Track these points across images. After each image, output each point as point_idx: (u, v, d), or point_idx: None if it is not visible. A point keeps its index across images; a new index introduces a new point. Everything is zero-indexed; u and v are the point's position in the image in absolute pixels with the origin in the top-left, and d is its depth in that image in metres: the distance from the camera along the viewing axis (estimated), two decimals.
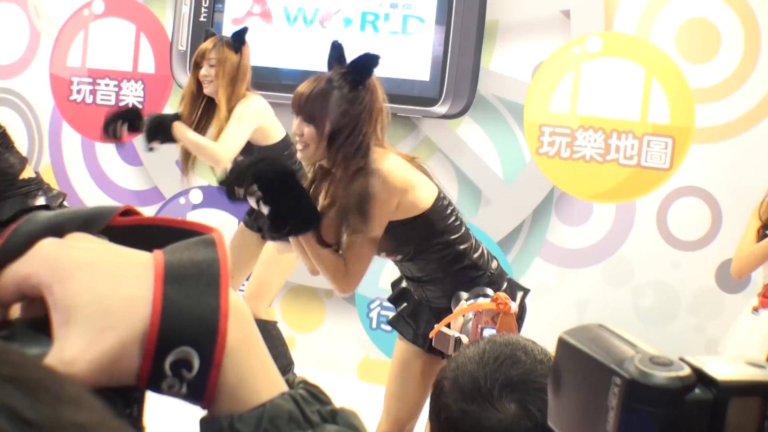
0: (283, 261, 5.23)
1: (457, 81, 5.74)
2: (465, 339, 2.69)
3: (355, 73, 3.47)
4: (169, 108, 6.62)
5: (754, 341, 4.57)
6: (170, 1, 6.56)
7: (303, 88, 3.46)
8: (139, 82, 6.68)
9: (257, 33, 6.11)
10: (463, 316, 2.76)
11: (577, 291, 5.75)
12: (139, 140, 6.61)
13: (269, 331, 5.30)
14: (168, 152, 6.50)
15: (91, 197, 6.92)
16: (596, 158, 5.65)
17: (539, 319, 5.46)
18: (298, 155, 3.52)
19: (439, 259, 3.55)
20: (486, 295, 2.91)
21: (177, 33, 6.38)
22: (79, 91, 6.85)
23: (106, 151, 6.87)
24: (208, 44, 5.24)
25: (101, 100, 6.77)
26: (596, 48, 5.62)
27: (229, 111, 5.11)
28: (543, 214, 5.86)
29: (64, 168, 6.99)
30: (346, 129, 3.42)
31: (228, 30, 6.24)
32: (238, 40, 5.29)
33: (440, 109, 5.74)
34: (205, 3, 6.28)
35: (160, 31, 6.61)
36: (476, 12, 5.69)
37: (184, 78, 6.32)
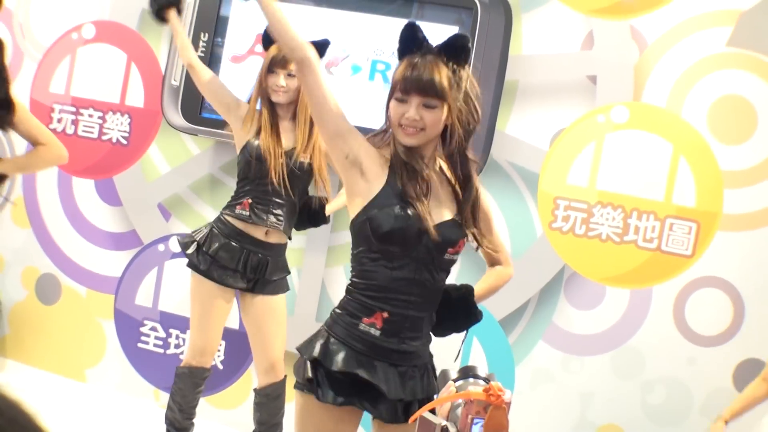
0: (284, 317, 5.33)
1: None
2: (452, 429, 2.51)
3: (456, 55, 3.46)
4: (155, 146, 6.51)
5: None
6: (167, 32, 6.46)
7: (421, 71, 3.40)
8: (126, 116, 6.57)
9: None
10: (452, 402, 2.59)
11: (582, 381, 5.65)
12: (119, 178, 6.50)
13: (285, 387, 5.38)
14: (151, 193, 6.38)
15: (63, 236, 6.82)
16: (613, 238, 5.55)
17: (539, 409, 5.34)
18: (407, 140, 3.45)
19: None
20: (477, 376, 2.73)
21: (171, 66, 6.29)
22: (60, 120, 6.75)
23: (84, 187, 6.76)
24: None
25: (83, 131, 6.66)
26: (622, 119, 5.54)
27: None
28: (551, 293, 5.78)
29: (37, 202, 6.89)
30: (463, 114, 3.48)
31: (227, 69, 6.13)
32: (319, 53, 5.14)
33: None
34: (204, 36, 6.18)
35: (153, 63, 6.52)
36: (496, 69, 5.61)
37: (175, 115, 6.23)
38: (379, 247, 3.46)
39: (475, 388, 2.55)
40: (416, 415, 2.75)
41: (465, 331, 3.71)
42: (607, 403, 5.63)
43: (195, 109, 6.22)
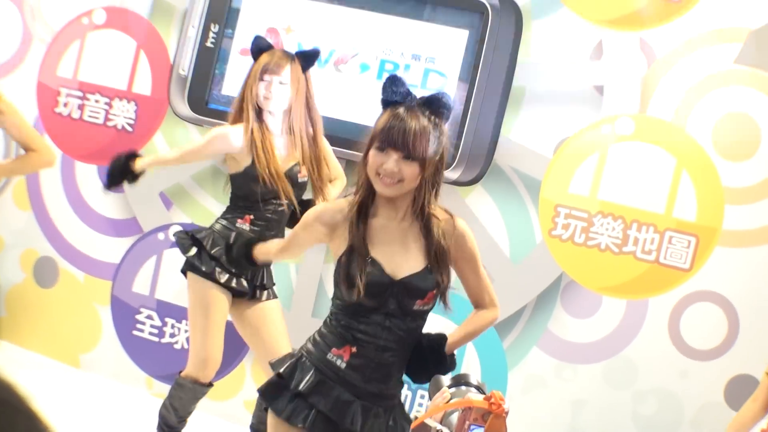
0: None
1: (473, 146, 5.67)
2: None
3: (438, 111, 3.53)
4: (160, 135, 6.52)
5: None
6: (177, 20, 6.49)
7: (403, 127, 3.46)
8: (132, 103, 6.59)
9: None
10: (444, 405, 2.62)
11: (574, 389, 5.67)
12: None
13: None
14: (153, 181, 6.40)
15: (64, 220, 6.82)
16: (612, 248, 5.58)
17: (531, 414, 5.37)
18: (384, 191, 3.51)
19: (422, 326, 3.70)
20: (469, 384, 2.77)
21: (180, 56, 6.32)
22: (66, 104, 6.76)
23: (87, 172, 6.77)
24: (280, 60, 5.09)
25: (89, 116, 6.68)
26: (627, 130, 5.56)
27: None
28: (547, 300, 5.79)
29: (39, 185, 6.89)
30: (438, 167, 3.56)
31: (235, 61, 6.16)
32: (308, 62, 5.18)
33: (452, 174, 5.65)
34: (214, 28, 6.21)
35: (162, 51, 6.54)
36: (504, 75, 5.64)
37: (181, 104, 6.25)
38: (345, 298, 3.53)
39: (475, 396, 2.59)
40: (418, 421, 2.78)
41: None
42: (599, 412, 5.64)
43: (202, 99, 6.24)
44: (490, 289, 3.83)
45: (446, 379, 2.83)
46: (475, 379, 2.97)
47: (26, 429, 0.76)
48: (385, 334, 3.55)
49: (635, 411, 5.63)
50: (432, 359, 3.65)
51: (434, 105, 3.50)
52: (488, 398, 2.64)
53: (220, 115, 6.10)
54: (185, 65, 6.29)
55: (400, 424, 3.68)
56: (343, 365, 3.56)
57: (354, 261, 3.51)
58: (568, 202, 5.68)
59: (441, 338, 3.68)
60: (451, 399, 2.63)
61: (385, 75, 5.90)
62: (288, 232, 5.27)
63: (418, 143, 3.42)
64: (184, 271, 5.19)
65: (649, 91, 5.63)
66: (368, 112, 5.62)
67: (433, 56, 5.84)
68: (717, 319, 5.54)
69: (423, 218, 3.60)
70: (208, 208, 6.36)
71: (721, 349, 5.53)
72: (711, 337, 5.55)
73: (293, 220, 5.19)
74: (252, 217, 5.14)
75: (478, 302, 3.81)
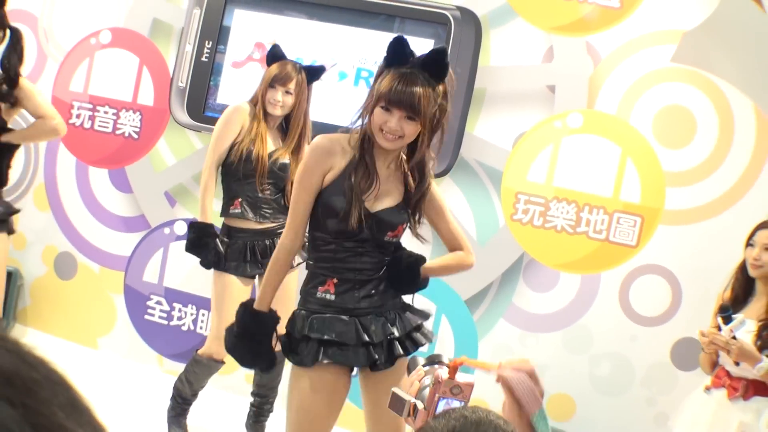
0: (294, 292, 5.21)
1: (442, 143, 5.66)
2: (420, 405, 2.57)
3: (438, 70, 3.54)
4: (163, 140, 6.53)
5: (703, 419, 4.55)
6: (175, 38, 6.49)
7: (406, 87, 3.47)
8: (137, 113, 6.59)
9: (255, 77, 6.04)
10: (419, 382, 2.64)
11: (537, 355, 5.68)
12: (130, 168, 6.53)
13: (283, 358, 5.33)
14: (158, 182, 6.41)
15: (80, 219, 6.82)
16: (567, 229, 5.60)
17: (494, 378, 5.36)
18: (386, 145, 3.56)
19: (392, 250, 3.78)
20: (441, 363, 2.80)
21: (178, 69, 6.31)
22: (78, 116, 6.76)
23: (99, 176, 6.77)
24: (290, 71, 5.14)
25: (99, 126, 6.68)
26: (577, 124, 5.58)
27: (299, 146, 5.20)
28: (511, 277, 5.80)
29: (57, 188, 6.89)
30: (437, 125, 3.59)
31: (228, 73, 6.17)
32: (314, 76, 5.25)
33: None
34: (208, 44, 6.21)
35: (162, 66, 6.53)
36: (466, 78, 5.65)
37: (181, 113, 6.26)
38: (329, 228, 3.60)
39: (444, 372, 2.61)
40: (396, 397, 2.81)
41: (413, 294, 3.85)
42: (559, 374, 5.66)
43: (199, 108, 6.25)
44: (464, 237, 3.91)
45: (421, 359, 2.84)
46: (447, 358, 3.00)
47: (66, 399, 0.77)
48: (359, 258, 3.64)
49: (591, 373, 5.66)
50: (407, 276, 3.74)
51: (432, 65, 3.52)
52: (451, 368, 2.65)
53: (216, 122, 6.12)
54: (183, 78, 6.29)
55: (405, 318, 3.74)
56: (333, 297, 3.64)
57: (340, 194, 3.57)
58: (527, 190, 5.69)
59: (419, 259, 3.76)
60: (425, 376, 2.65)
61: (361, 82, 5.96)
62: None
63: (421, 105, 3.46)
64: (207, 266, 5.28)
65: (596, 89, 5.64)
66: (346, 116, 5.62)
67: None
68: (662, 289, 5.56)
69: (411, 163, 3.67)
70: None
71: (666, 316, 5.55)
72: (657, 306, 5.57)
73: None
74: (241, 200, 5.21)
75: (454, 246, 3.88)
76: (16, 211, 5.31)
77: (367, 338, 3.64)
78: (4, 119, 5.02)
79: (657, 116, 5.56)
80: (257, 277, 5.26)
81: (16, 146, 5.18)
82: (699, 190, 5.49)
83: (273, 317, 3.77)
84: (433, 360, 2.79)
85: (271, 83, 5.13)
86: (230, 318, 5.13)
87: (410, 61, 3.53)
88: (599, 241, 5.57)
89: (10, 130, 5.10)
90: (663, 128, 5.55)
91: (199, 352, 5.32)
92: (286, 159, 5.20)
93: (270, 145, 5.20)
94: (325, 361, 3.62)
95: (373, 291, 3.69)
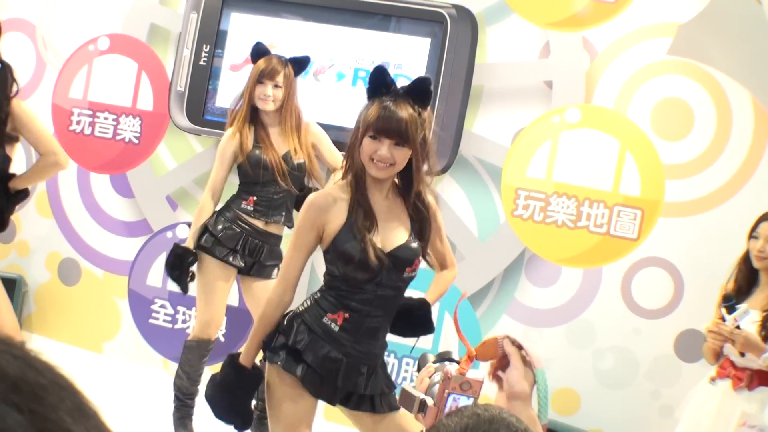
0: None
1: (440, 140, 5.67)
2: (430, 402, 2.57)
3: (422, 97, 3.58)
4: (164, 145, 6.54)
5: (709, 410, 4.55)
6: (172, 43, 6.50)
7: (393, 115, 3.50)
8: (137, 118, 6.60)
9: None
10: (429, 378, 2.64)
11: (541, 350, 5.66)
12: (131, 173, 6.54)
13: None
14: (159, 186, 6.42)
15: (82, 225, 6.83)
16: (567, 224, 5.60)
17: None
18: (378, 174, 3.57)
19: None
20: (452, 360, 2.80)
21: (177, 74, 6.31)
22: (78, 122, 6.76)
23: (100, 182, 6.78)
24: (276, 65, 5.18)
25: (99, 132, 6.68)
26: (575, 119, 5.59)
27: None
28: (513, 273, 5.80)
29: (59, 195, 6.89)
30: (425, 150, 3.62)
31: (226, 77, 6.18)
32: (300, 68, 5.29)
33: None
34: (206, 48, 6.22)
35: (161, 71, 6.54)
36: (464, 76, 5.66)
37: (181, 117, 6.26)
38: (344, 271, 3.59)
39: (451, 368, 2.61)
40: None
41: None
42: (563, 369, 5.66)
43: (198, 112, 6.26)
44: (450, 252, 3.99)
45: (431, 356, 2.84)
46: (457, 355, 3.01)
47: (73, 404, 0.77)
48: (376, 302, 3.62)
49: (595, 366, 5.66)
50: (421, 323, 3.84)
51: (416, 92, 3.56)
52: (461, 365, 2.65)
53: (216, 125, 6.14)
54: (182, 82, 6.29)
55: (381, 377, 3.74)
56: (337, 328, 3.62)
57: (351, 239, 3.56)
58: (527, 185, 5.70)
59: (428, 307, 3.85)
60: (434, 373, 2.65)
61: (359, 82, 5.96)
62: (290, 235, 5.32)
63: (408, 131, 3.48)
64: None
65: (593, 83, 5.65)
66: (345, 116, 5.64)
67: (401, 62, 5.86)
68: (664, 281, 5.57)
69: (412, 194, 3.66)
70: None
71: (669, 308, 5.56)
72: (659, 298, 5.58)
73: (300, 203, 5.29)
74: (255, 199, 5.26)
75: (443, 264, 3.95)
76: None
77: (341, 384, 3.65)
78: (8, 156, 4.94)
79: (654, 109, 5.56)
80: (239, 275, 5.35)
81: (24, 194, 5.12)
82: (698, 182, 5.49)
83: (256, 375, 3.76)
84: (444, 357, 2.79)
85: (259, 79, 5.17)
86: (215, 300, 5.26)
87: (392, 90, 3.55)
88: (600, 235, 5.57)
89: (13, 175, 5.04)
90: (661, 121, 5.56)
91: (188, 339, 5.44)
92: (300, 159, 5.23)
93: (281, 145, 5.23)
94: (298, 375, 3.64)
95: (376, 339, 3.69)
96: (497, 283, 5.84)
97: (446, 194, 5.87)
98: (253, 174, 5.21)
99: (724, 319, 4.46)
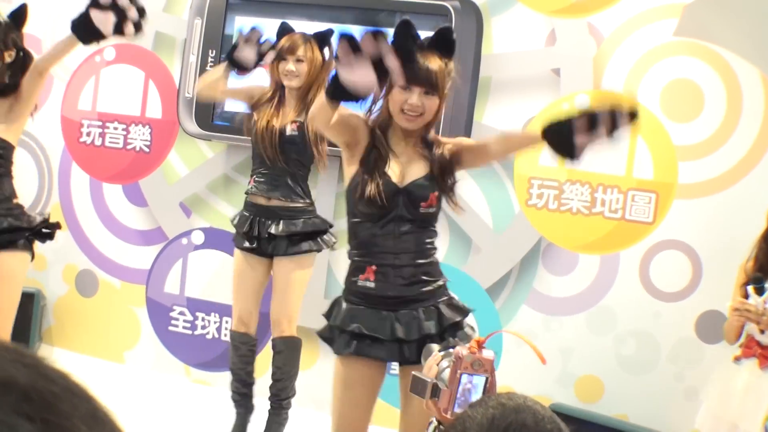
0: (304, 279, 5.30)
1: (450, 133, 5.65)
2: (442, 385, 2.56)
3: (448, 47, 3.68)
4: (174, 152, 6.54)
5: (736, 390, 4.53)
6: (178, 49, 6.50)
7: (423, 65, 3.58)
8: (147, 127, 6.60)
9: (261, 82, 6.03)
10: (437, 365, 2.63)
11: (562, 338, 5.67)
12: (144, 182, 6.53)
13: (299, 347, 5.42)
14: (172, 193, 6.42)
15: (98, 236, 6.84)
16: (582, 211, 5.58)
17: (525, 364, 5.39)
18: (408, 125, 3.67)
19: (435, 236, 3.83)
20: (457, 345, 2.78)
21: (184, 80, 6.31)
22: (88, 134, 6.76)
23: (113, 192, 6.78)
24: (297, 40, 5.20)
25: (110, 142, 6.69)
26: (584, 105, 5.52)
27: None
28: (530, 263, 5.78)
29: (73, 207, 6.90)
30: (449, 99, 3.77)
31: (233, 81, 6.16)
32: (323, 42, 5.30)
33: None
34: (212, 53, 6.21)
35: (168, 78, 6.53)
36: (471, 68, 5.64)
37: (190, 123, 6.26)
38: (362, 210, 3.66)
39: (462, 349, 2.60)
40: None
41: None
42: (585, 356, 5.65)
43: (207, 117, 6.25)
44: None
45: (436, 346, 2.84)
46: (462, 344, 3.02)
47: (87, 411, 0.76)
48: (398, 242, 3.68)
49: (617, 352, 5.63)
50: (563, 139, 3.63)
51: (441, 43, 3.66)
52: (471, 348, 2.64)
53: (226, 130, 6.15)
54: (190, 88, 6.28)
55: (443, 314, 3.75)
56: (373, 284, 3.69)
57: (368, 176, 3.66)
58: (540, 174, 5.68)
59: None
60: (442, 360, 2.64)
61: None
62: None
63: (438, 79, 3.60)
64: None
65: (601, 69, 5.63)
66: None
67: None
68: (682, 263, 5.54)
69: (428, 142, 3.76)
70: (222, 212, 6.37)
71: (688, 290, 5.53)
72: (678, 280, 5.55)
73: None
74: (254, 176, 5.33)
75: (487, 142, 3.95)
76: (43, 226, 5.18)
77: (400, 335, 3.68)
78: (5, 139, 4.86)
79: (664, 91, 5.54)
80: (274, 258, 5.32)
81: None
82: (712, 162, 5.46)
83: None
84: (448, 346, 2.79)
85: (280, 55, 5.18)
86: (244, 298, 5.31)
87: (419, 42, 3.60)
88: (616, 220, 5.55)
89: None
90: (671, 103, 5.53)
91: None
92: (291, 131, 5.20)
93: (286, 118, 5.25)
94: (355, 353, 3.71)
95: (413, 278, 3.72)
96: (515, 274, 5.82)
97: (459, 187, 5.83)
98: (253, 153, 5.33)
99: (748, 297, 4.43)
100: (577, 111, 3.59)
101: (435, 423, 2.57)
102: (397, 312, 3.70)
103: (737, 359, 4.59)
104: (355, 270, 3.75)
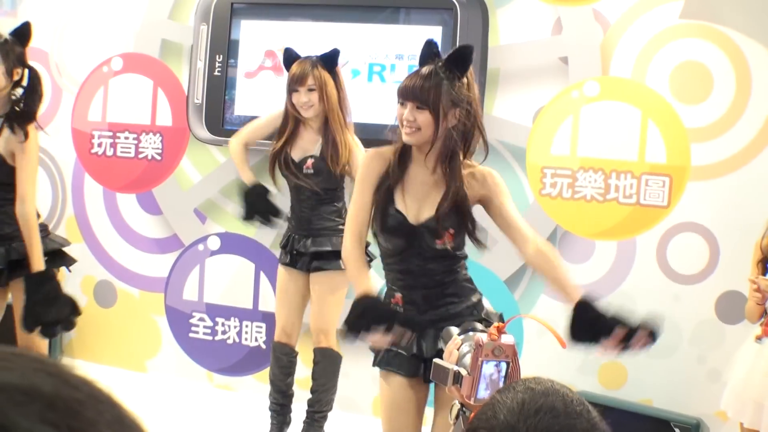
0: (337, 294, 5.34)
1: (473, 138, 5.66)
2: (464, 372, 2.57)
3: (457, 65, 3.68)
4: (186, 159, 6.55)
5: (759, 368, 4.52)
6: (186, 56, 6.51)
7: (414, 80, 3.65)
8: (158, 135, 6.61)
9: (269, 85, 6.05)
10: (458, 350, 2.64)
11: None
12: (157, 190, 6.55)
13: (337, 362, 5.47)
14: (186, 200, 6.43)
15: (114, 246, 6.86)
16: (597, 198, 5.57)
17: (548, 354, 5.37)
18: (407, 138, 3.70)
19: (461, 261, 3.89)
20: (475, 329, 2.80)
21: (193, 87, 6.32)
22: (100, 145, 6.78)
23: (127, 201, 6.80)
24: (305, 68, 5.18)
25: (121, 152, 6.70)
26: (594, 92, 5.56)
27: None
28: None
29: (87, 218, 6.92)
30: (462, 120, 3.70)
31: (242, 85, 6.18)
32: (331, 63, 5.27)
33: None
34: (219, 58, 6.22)
35: (177, 85, 6.54)
36: (478, 60, 5.63)
37: (201, 130, 6.27)
38: (382, 243, 3.80)
39: (481, 335, 2.61)
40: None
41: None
42: None
43: (218, 122, 6.27)
44: (521, 223, 4.01)
45: (455, 329, 2.86)
46: (480, 326, 3.05)
47: (112, 417, 0.76)
48: (421, 274, 3.77)
49: None
50: (597, 327, 3.80)
51: (454, 60, 3.68)
52: (491, 335, 2.65)
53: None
54: (199, 95, 6.30)
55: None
56: (402, 309, 3.80)
57: (381, 210, 3.75)
58: (552, 163, 5.68)
59: (584, 305, 3.84)
60: (462, 344, 2.65)
61: (375, 77, 5.95)
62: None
63: (424, 92, 3.61)
64: None
65: (608, 55, 5.63)
66: (362, 112, 5.65)
67: (414, 54, 5.79)
68: (699, 245, 5.54)
69: (448, 166, 3.74)
70: (237, 217, 6.37)
71: (707, 272, 5.53)
72: (696, 262, 5.55)
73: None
74: (291, 195, 5.43)
75: (515, 238, 3.97)
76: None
77: (417, 351, 3.79)
78: (11, 165, 4.85)
79: (673, 74, 5.53)
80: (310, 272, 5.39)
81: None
82: (724, 143, 5.46)
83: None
84: (467, 328, 2.80)
85: (291, 87, 5.16)
86: (284, 310, 5.40)
87: (434, 60, 3.67)
88: (630, 206, 5.54)
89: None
90: (680, 85, 5.53)
91: None
92: (307, 169, 5.25)
93: (300, 152, 5.27)
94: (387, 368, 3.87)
95: (439, 302, 3.81)
96: None
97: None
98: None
99: (766, 273, 4.44)
100: (621, 319, 3.69)
101: (458, 405, 2.60)
102: (424, 331, 3.77)
103: (759, 338, 4.59)
104: (387, 293, 3.91)
